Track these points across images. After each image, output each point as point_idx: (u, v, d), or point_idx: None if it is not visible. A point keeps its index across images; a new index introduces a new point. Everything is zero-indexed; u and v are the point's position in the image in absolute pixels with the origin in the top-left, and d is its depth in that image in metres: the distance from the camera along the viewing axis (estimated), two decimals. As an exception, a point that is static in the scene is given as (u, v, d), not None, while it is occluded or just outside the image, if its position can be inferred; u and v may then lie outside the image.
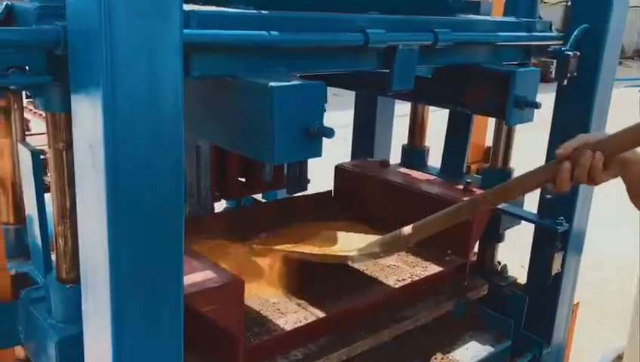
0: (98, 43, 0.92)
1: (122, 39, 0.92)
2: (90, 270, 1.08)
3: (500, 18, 2.07)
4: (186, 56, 1.22)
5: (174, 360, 1.13)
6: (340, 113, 2.92)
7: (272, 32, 1.31)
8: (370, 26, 1.49)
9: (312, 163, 2.58)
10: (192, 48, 1.22)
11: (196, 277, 1.47)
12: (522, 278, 2.39)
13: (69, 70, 1.01)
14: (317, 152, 1.32)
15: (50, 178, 1.26)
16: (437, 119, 2.77)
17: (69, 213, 1.25)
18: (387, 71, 1.61)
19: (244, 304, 1.52)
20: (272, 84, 1.22)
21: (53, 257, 1.37)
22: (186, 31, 1.18)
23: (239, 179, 2.57)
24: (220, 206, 3.02)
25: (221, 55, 1.28)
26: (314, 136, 1.28)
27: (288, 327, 1.65)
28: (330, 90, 2.84)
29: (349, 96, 2.68)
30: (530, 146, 3.27)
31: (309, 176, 2.65)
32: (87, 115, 0.98)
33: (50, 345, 1.28)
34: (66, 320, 1.31)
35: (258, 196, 2.89)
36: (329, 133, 1.27)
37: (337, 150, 2.87)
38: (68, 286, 1.30)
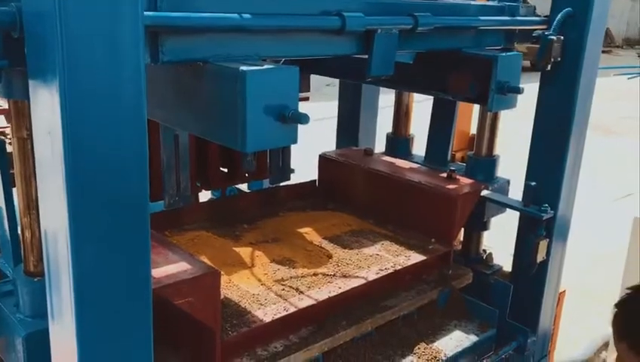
0: (53, 25, 0.87)
1: (78, 21, 0.88)
2: (53, 263, 1.04)
3: (482, 2, 2.03)
4: (156, 40, 1.19)
5: (143, 355, 1.09)
6: (334, 103, 2.88)
7: (244, 15, 1.27)
8: (347, 9, 1.45)
9: (305, 153, 2.55)
10: (161, 31, 1.18)
11: (171, 268, 1.43)
12: (508, 266, 2.38)
13: (27, 54, 0.96)
14: (292, 139, 1.28)
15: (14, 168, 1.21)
16: (425, 108, 2.73)
17: (35, 204, 1.21)
18: (366, 56, 1.58)
19: (220, 296, 1.48)
20: (244, 68, 1.18)
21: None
22: (154, 13, 1.14)
23: (221, 169, 2.53)
24: (205, 196, 2.99)
25: (191, 39, 1.23)
26: (288, 122, 1.24)
27: (268, 319, 1.62)
28: (323, 80, 2.80)
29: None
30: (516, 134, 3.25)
31: (305, 168, 2.61)
32: (45, 102, 0.94)
33: (17, 340, 1.25)
34: (34, 314, 1.28)
35: (244, 186, 2.86)
36: (304, 119, 1.24)
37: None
38: (35, 280, 1.26)
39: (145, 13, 1.10)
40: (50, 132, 0.94)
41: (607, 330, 3.83)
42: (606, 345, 3.81)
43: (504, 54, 1.84)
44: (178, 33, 1.20)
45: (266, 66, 1.22)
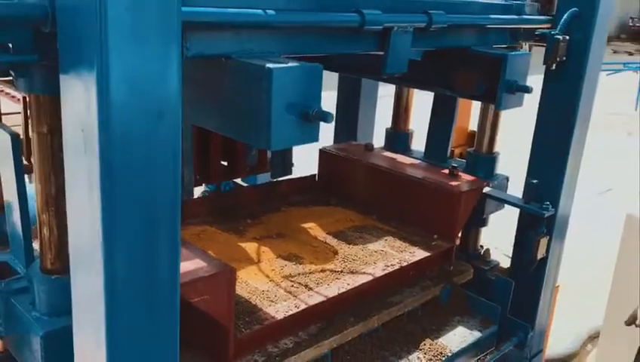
0: (91, 20, 0.85)
1: (117, 16, 0.86)
2: (80, 260, 1.02)
3: (489, 0, 2.04)
4: (182, 35, 1.17)
5: (170, 353, 1.08)
6: (332, 93, 2.86)
7: (269, 11, 1.25)
8: (366, 7, 1.45)
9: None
10: (186, 26, 1.16)
11: (186, 266, 1.41)
12: (504, 262, 2.41)
13: (59, 49, 0.94)
14: (314, 137, 1.27)
15: (33, 163, 1.18)
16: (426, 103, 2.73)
17: (54, 201, 1.18)
18: (381, 53, 1.58)
19: (235, 293, 1.47)
20: (270, 65, 1.16)
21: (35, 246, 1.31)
22: (184, 8, 1.13)
23: (222, 162, 2.51)
24: (198, 191, 2.96)
25: (216, 34, 1.22)
26: (312, 120, 1.23)
27: (279, 316, 1.61)
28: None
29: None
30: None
31: (303, 161, 2.60)
32: (79, 98, 0.91)
33: (34, 339, 1.22)
34: (52, 313, 1.25)
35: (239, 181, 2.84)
36: (328, 117, 1.23)
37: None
38: (53, 278, 1.23)
39: (173, 8, 1.09)
40: (84, 129, 0.92)
41: (592, 324, 3.91)
42: (591, 339, 3.88)
43: (513, 53, 1.85)
44: (203, 28, 1.19)
45: (290, 64, 1.21)
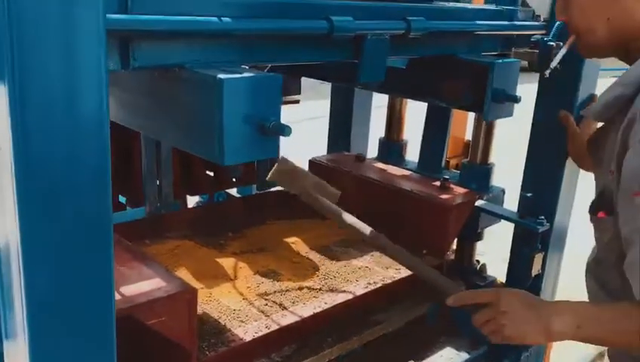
0: (1, 29, 0.78)
1: (29, 26, 0.79)
2: (6, 282, 0.95)
3: (479, 6, 1.95)
4: (126, 45, 1.11)
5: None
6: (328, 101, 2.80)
7: (224, 18, 1.18)
8: (335, 13, 1.37)
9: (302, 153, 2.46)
10: (132, 35, 1.10)
11: (144, 285, 1.35)
12: (502, 277, 2.31)
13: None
14: (273, 152, 1.20)
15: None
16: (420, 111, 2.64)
17: None
18: (356, 61, 1.50)
19: (196, 315, 1.39)
20: (221, 76, 1.09)
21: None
22: (123, 16, 1.07)
23: (207, 173, 2.45)
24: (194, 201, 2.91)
25: (165, 43, 1.15)
26: (269, 134, 1.16)
27: (248, 337, 1.54)
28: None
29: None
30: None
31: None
32: (-5, 112, 0.85)
33: (-25, 364, 1.16)
34: (-4, 336, 1.18)
35: (233, 191, 2.78)
36: (286, 130, 1.15)
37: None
38: None
39: (112, 16, 1.03)
40: (1, 146, 0.85)
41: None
42: (601, 356, 3.74)
43: (500, 61, 1.76)
44: (151, 37, 1.12)
45: (245, 74, 1.14)
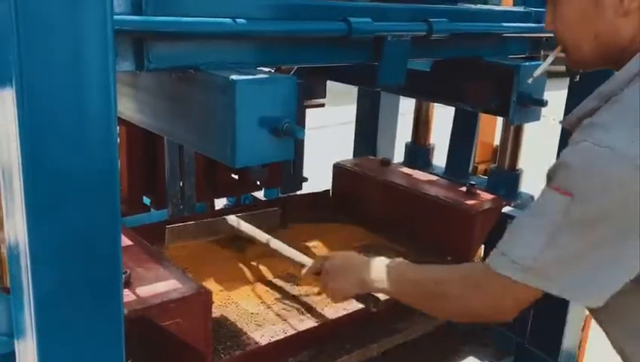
0: (9, 29, 0.79)
1: (35, 27, 0.80)
2: (16, 281, 0.96)
3: (505, 7, 1.91)
4: (140, 46, 1.12)
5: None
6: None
7: (239, 20, 1.18)
8: (354, 14, 1.35)
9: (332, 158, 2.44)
10: (146, 37, 1.10)
11: (160, 287, 1.35)
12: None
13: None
14: (287, 154, 1.19)
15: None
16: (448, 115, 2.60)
17: (10, 217, 1.14)
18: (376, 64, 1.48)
19: (211, 317, 1.39)
20: (234, 77, 1.09)
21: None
22: (138, 18, 1.07)
23: (232, 176, 2.45)
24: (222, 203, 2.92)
25: (180, 45, 1.15)
26: (283, 136, 1.14)
27: (264, 341, 1.53)
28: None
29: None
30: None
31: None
32: (4, 113, 0.86)
33: (-11, 361, 1.18)
34: (11, 333, 1.20)
35: (260, 194, 2.78)
36: (299, 132, 1.14)
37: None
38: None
39: (124, 17, 1.04)
40: (9, 145, 0.86)
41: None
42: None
43: (527, 64, 1.71)
44: (165, 39, 1.12)
45: (259, 75, 1.13)
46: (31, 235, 0.86)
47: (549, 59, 1.41)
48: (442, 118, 2.71)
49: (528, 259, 1.09)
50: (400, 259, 1.46)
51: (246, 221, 2.01)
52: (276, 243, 1.81)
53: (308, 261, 1.64)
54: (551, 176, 1.12)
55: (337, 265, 1.48)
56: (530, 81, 1.49)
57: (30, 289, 0.89)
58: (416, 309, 1.43)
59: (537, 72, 1.47)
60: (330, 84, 2.38)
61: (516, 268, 1.11)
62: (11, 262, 0.97)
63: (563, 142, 1.99)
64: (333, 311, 1.69)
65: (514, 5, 2.02)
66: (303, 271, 1.61)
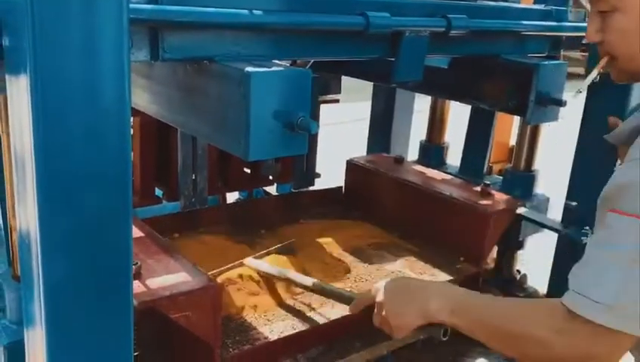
0: (24, 17, 0.78)
1: (51, 15, 0.79)
2: (26, 270, 0.96)
3: (526, 5, 1.88)
4: (155, 36, 1.11)
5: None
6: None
7: (255, 11, 1.17)
8: (372, 9, 1.34)
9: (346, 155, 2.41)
10: (162, 27, 1.09)
11: (170, 279, 1.34)
12: (543, 288, 2.22)
13: (3, 47, 0.88)
14: (301, 148, 1.17)
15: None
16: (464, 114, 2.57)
17: (22, 206, 1.13)
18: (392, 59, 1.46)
19: (221, 311, 1.38)
20: (249, 69, 1.08)
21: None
22: (153, 7, 1.06)
23: (244, 170, 2.45)
24: (234, 197, 2.92)
25: (196, 35, 1.14)
26: (297, 130, 1.13)
27: (273, 336, 1.52)
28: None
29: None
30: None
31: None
32: (19, 100, 0.85)
33: None
34: (20, 321, 1.20)
35: (272, 189, 2.77)
36: (313, 127, 1.12)
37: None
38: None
39: (139, 5, 1.03)
40: (22, 133, 0.86)
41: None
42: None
43: (546, 63, 1.68)
44: (180, 29, 1.11)
45: (274, 68, 1.12)
46: (42, 224, 0.86)
47: (595, 72, 1.37)
48: (457, 116, 2.67)
49: (609, 297, 0.99)
50: (457, 287, 1.35)
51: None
52: (318, 284, 1.66)
53: (353, 295, 1.55)
54: (611, 199, 1.05)
55: (392, 295, 1.34)
56: (574, 95, 1.45)
57: (40, 278, 0.89)
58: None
59: (584, 86, 1.43)
60: (346, 80, 2.36)
61: (599, 308, 0.99)
62: (22, 250, 0.97)
63: (584, 145, 1.96)
64: (344, 308, 1.68)
65: (534, 3, 1.99)
66: (351, 306, 1.48)
